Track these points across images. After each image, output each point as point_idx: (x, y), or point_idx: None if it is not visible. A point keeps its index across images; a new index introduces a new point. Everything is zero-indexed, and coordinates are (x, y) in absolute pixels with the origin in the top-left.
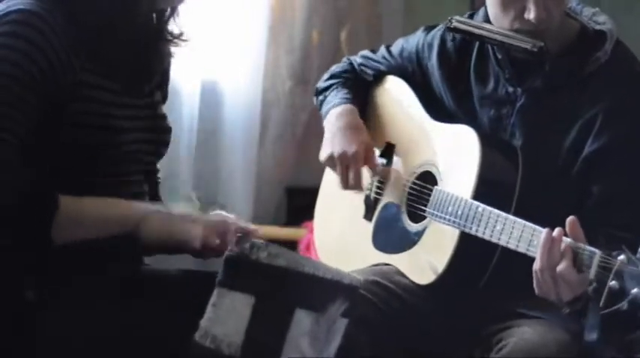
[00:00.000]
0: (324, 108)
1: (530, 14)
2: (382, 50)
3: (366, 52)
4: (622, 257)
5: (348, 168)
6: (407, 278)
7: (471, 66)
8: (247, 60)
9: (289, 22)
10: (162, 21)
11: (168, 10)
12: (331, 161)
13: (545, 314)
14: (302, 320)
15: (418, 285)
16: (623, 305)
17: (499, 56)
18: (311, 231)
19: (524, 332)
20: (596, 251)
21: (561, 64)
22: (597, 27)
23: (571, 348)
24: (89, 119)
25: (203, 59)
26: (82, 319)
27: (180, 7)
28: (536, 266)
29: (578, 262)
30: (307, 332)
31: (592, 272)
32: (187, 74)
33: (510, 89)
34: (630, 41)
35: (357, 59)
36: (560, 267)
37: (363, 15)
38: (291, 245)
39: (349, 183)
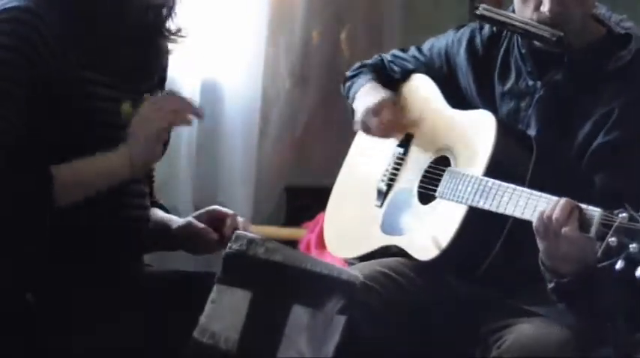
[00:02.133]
0: (352, 91)
1: (545, 7)
2: (412, 49)
3: (396, 51)
4: (624, 214)
5: (378, 119)
6: (412, 272)
7: (498, 61)
8: (247, 59)
9: (289, 22)
10: (160, 18)
11: (165, 8)
12: (362, 125)
13: (544, 310)
14: (299, 315)
15: (424, 280)
16: (619, 261)
17: (522, 50)
18: (311, 230)
19: (524, 329)
20: (598, 209)
21: (582, 58)
22: (624, 31)
23: (570, 345)
24: (89, 115)
25: (203, 58)
26: (81, 320)
27: (179, 6)
28: (540, 221)
29: (581, 222)
30: (304, 328)
31: (593, 230)
32: (187, 73)
33: (530, 82)
34: None
35: (387, 56)
36: (565, 228)
37: (363, 15)
38: (291, 245)
39: (381, 132)
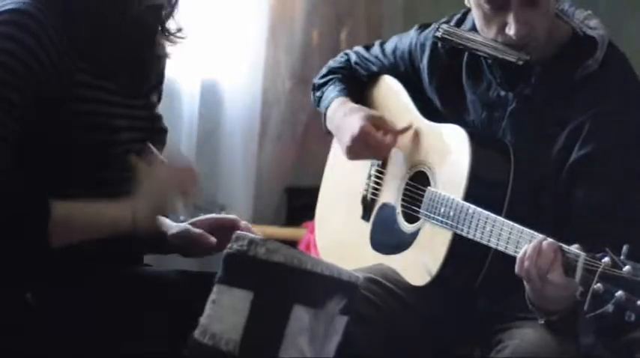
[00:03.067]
0: (322, 104)
1: (511, 30)
2: (376, 48)
3: (360, 49)
4: (606, 259)
5: (368, 147)
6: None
7: (463, 67)
8: (247, 60)
9: (289, 22)
10: (160, 19)
11: (167, 7)
12: (352, 154)
13: None
14: (300, 316)
15: (417, 287)
16: (609, 308)
17: (489, 62)
18: (311, 231)
19: (525, 334)
20: (581, 253)
21: (550, 72)
22: (589, 32)
23: (571, 350)
24: (85, 118)
25: (203, 59)
26: (81, 320)
27: (179, 6)
28: (522, 269)
29: (565, 266)
30: (306, 329)
31: (577, 276)
32: (187, 74)
33: (502, 93)
34: (632, 45)
35: (353, 56)
36: (550, 275)
37: (363, 15)
38: (291, 245)
39: (378, 157)
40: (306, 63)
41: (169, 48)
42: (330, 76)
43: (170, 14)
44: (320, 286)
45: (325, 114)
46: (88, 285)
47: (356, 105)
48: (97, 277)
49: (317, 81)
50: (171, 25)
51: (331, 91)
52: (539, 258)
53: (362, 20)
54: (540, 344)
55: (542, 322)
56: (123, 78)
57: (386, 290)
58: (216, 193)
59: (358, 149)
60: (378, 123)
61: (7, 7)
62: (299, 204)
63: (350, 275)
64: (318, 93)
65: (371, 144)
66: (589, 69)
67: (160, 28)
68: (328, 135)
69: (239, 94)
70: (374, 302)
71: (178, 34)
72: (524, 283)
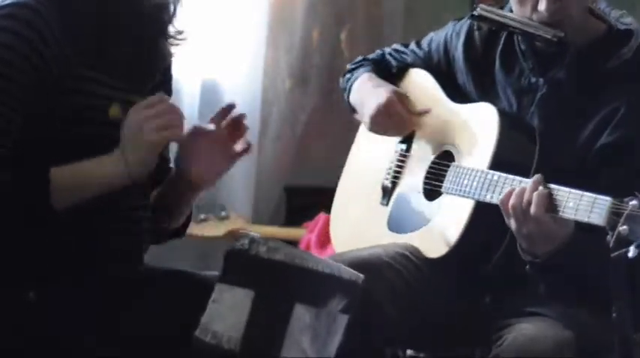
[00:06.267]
0: (349, 82)
1: (542, 5)
2: (412, 44)
3: (397, 45)
4: (634, 202)
5: (391, 118)
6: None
7: (497, 56)
8: (247, 59)
9: (289, 22)
10: (165, 18)
11: (172, 7)
12: (374, 125)
13: (545, 310)
14: (302, 315)
15: (436, 263)
16: (629, 250)
17: (523, 47)
18: (310, 230)
19: (523, 328)
20: (608, 198)
21: (584, 57)
22: (624, 27)
23: (569, 344)
24: (88, 113)
25: (203, 59)
26: (81, 319)
27: (180, 6)
28: (508, 201)
29: (550, 202)
30: (307, 328)
31: (604, 219)
32: (187, 73)
33: (533, 79)
34: None
35: (387, 50)
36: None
37: (363, 15)
38: (291, 245)
39: (398, 131)
40: (305, 63)
41: (172, 48)
42: (362, 62)
43: (174, 14)
44: (321, 285)
45: (350, 89)
46: (89, 285)
47: (383, 81)
48: (97, 277)
49: (349, 66)
50: (171, 27)
51: (360, 72)
52: (522, 193)
53: (362, 20)
54: (537, 337)
55: (528, 266)
56: (125, 74)
57: (412, 264)
58: (216, 193)
59: (381, 120)
60: (403, 101)
61: (8, 1)
62: (298, 203)
63: (351, 273)
64: (347, 75)
65: (394, 116)
66: (624, 57)
67: (164, 29)
68: (352, 114)
69: (239, 94)
70: (402, 274)
71: (179, 37)
72: (510, 223)
